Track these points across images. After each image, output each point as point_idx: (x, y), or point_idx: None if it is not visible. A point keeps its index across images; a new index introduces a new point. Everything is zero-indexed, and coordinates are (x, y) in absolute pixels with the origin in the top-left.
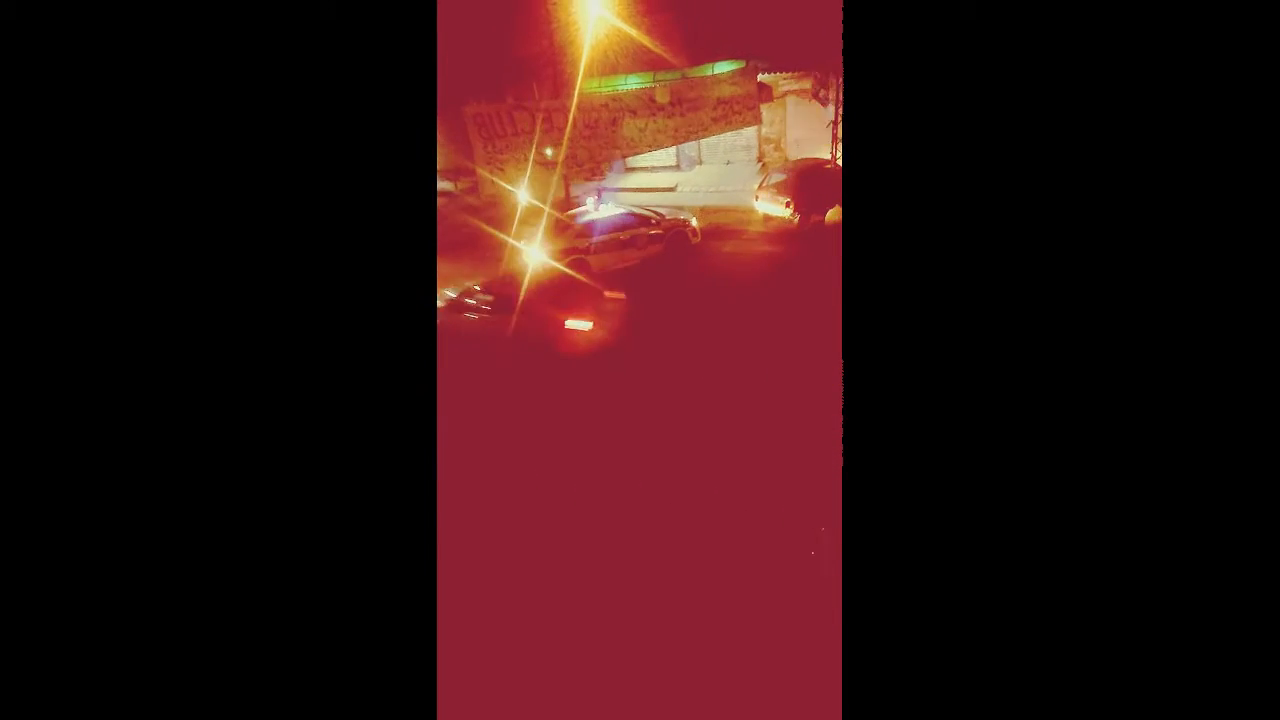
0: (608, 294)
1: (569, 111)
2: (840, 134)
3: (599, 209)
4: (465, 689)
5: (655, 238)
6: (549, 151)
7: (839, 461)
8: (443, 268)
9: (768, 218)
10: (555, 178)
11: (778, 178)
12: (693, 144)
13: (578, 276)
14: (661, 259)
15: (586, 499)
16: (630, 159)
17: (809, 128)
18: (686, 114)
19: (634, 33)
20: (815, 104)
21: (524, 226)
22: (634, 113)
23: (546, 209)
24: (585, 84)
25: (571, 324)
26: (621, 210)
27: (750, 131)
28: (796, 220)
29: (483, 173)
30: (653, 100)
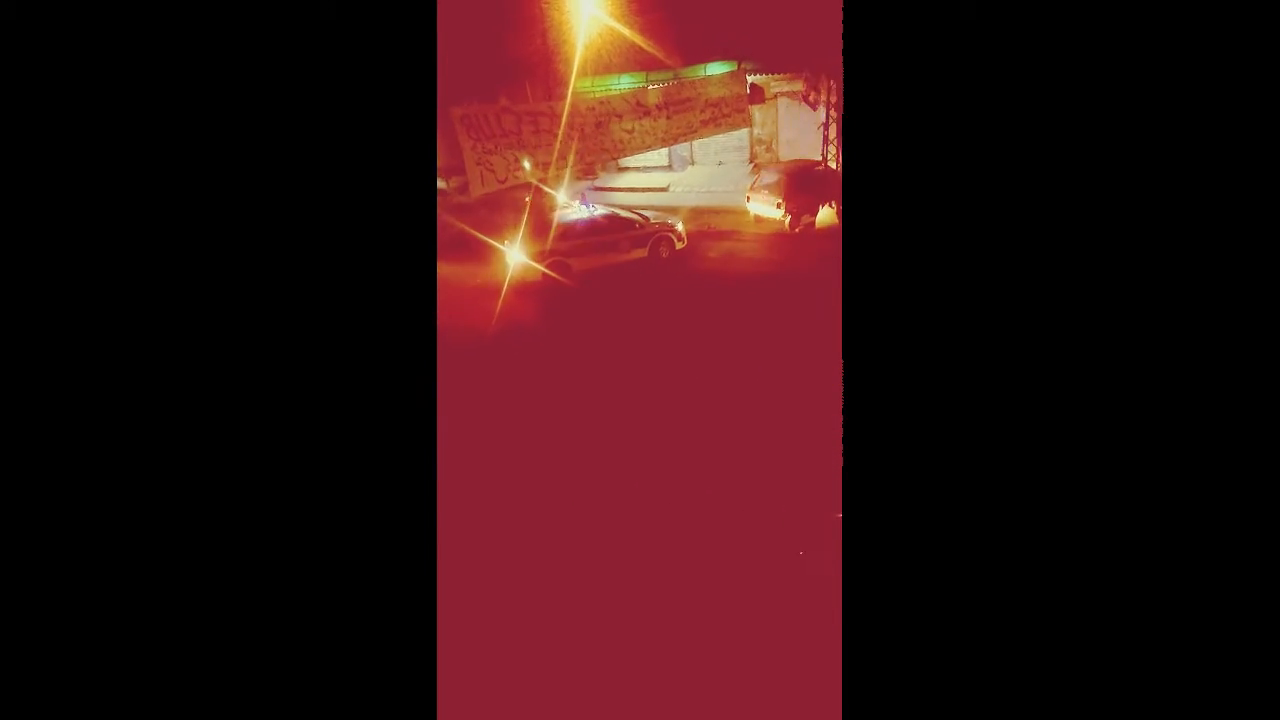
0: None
1: (560, 113)
2: (831, 135)
3: (585, 209)
4: (465, 689)
5: (638, 240)
6: (526, 165)
7: (839, 461)
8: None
9: (759, 218)
10: (548, 176)
11: (770, 179)
12: (685, 145)
13: (557, 278)
14: (649, 262)
15: (586, 500)
16: (622, 159)
17: (801, 129)
18: (675, 116)
19: (627, 33)
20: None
21: (508, 228)
22: (623, 115)
23: (526, 211)
24: (578, 84)
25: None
26: (604, 212)
27: (743, 132)
28: (788, 221)
29: (473, 171)
30: (643, 102)
